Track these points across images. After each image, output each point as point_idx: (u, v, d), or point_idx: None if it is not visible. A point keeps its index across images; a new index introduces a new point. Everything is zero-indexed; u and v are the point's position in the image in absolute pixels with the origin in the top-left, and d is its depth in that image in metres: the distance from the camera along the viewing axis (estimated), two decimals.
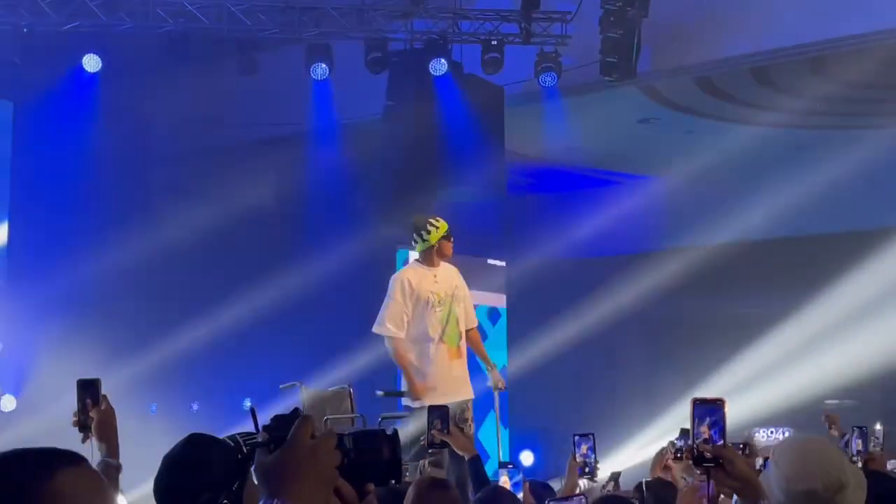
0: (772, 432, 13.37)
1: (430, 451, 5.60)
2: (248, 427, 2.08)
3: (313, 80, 11.04)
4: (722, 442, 2.64)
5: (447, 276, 7.40)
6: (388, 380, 8.74)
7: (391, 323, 7.24)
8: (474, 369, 7.63)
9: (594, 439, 4.72)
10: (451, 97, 11.69)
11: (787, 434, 13.31)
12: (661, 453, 5.06)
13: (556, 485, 6.17)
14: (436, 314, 7.26)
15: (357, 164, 11.66)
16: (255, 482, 1.68)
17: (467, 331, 7.47)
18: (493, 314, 12.74)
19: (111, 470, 3.02)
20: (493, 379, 7.57)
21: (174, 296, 11.03)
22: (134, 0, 10.50)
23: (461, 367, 7.33)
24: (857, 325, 12.52)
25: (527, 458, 12.67)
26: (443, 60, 11.01)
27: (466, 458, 4.77)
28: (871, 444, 5.65)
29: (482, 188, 12.33)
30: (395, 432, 1.71)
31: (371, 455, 1.68)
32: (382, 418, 8.18)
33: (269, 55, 11.17)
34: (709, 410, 2.69)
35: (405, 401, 7.44)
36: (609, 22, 10.61)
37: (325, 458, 1.63)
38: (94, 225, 10.59)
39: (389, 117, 11.46)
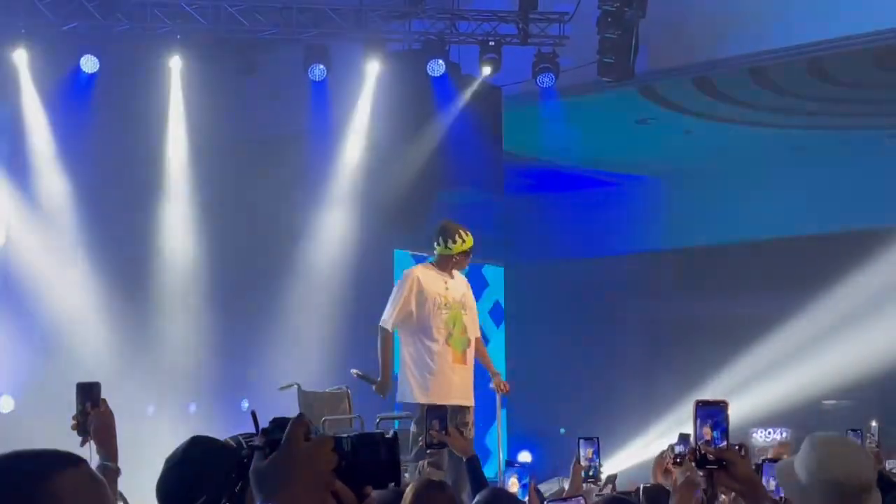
0: (770, 433, 13.38)
1: (428, 451, 5.59)
2: (248, 428, 2.07)
3: (311, 81, 11.04)
4: (725, 443, 2.64)
5: (457, 284, 7.49)
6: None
7: (397, 319, 7.28)
8: (477, 376, 7.65)
9: (599, 443, 4.72)
10: (448, 98, 11.69)
11: (785, 435, 13.32)
12: (661, 457, 5.05)
13: (555, 486, 6.17)
14: (441, 316, 7.29)
15: (356, 165, 11.65)
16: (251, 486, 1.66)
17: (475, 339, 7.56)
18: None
19: (110, 474, 3.02)
20: (496, 383, 7.62)
21: (171, 296, 11.01)
22: (131, 1, 10.49)
23: (463, 373, 7.34)
24: (856, 326, 12.53)
25: (525, 458, 12.66)
26: (440, 61, 11.00)
27: (464, 459, 4.76)
28: (867, 442, 5.66)
29: (480, 188, 12.34)
30: (395, 434, 1.70)
31: (370, 457, 1.67)
32: (380, 419, 8.18)
33: (267, 56, 11.16)
34: (711, 412, 2.69)
35: (400, 397, 7.46)
36: (607, 22, 10.61)
37: (320, 461, 1.61)
38: (91, 225, 10.57)
39: (388, 118, 11.46)
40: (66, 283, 10.43)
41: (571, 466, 4.89)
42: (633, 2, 10.48)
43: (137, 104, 10.81)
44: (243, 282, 10.88)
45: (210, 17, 10.65)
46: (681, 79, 12.25)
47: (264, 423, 1.70)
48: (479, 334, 7.67)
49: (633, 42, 10.62)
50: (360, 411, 8.42)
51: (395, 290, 7.39)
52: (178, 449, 2.61)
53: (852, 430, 5.48)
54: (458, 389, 7.24)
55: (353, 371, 7.98)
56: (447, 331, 7.29)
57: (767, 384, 12.72)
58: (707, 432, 2.67)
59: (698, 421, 2.68)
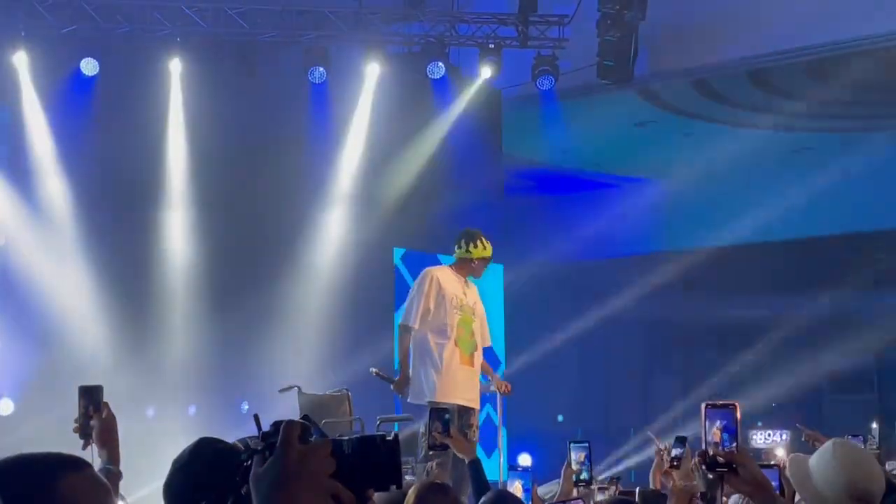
0: (769, 434, 13.38)
1: (430, 452, 5.60)
2: (248, 430, 2.07)
3: (311, 83, 11.04)
4: (735, 446, 2.65)
5: (472, 291, 7.58)
6: (385, 382, 8.71)
7: (419, 317, 7.30)
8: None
9: (590, 448, 4.72)
10: (448, 100, 11.70)
11: (784, 436, 13.32)
12: (660, 459, 5.06)
13: (553, 488, 6.17)
14: (455, 317, 7.34)
15: (356, 167, 11.66)
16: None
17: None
18: None
19: (112, 477, 3.02)
20: (497, 384, 7.66)
21: (171, 299, 11.01)
22: (132, 4, 10.50)
23: (470, 375, 7.39)
24: (856, 327, 12.54)
25: (524, 460, 12.66)
26: (440, 64, 11.00)
27: (466, 462, 4.76)
28: (868, 444, 5.67)
29: (480, 190, 12.34)
30: (396, 437, 1.70)
31: (370, 460, 1.67)
32: (381, 421, 8.18)
33: (267, 58, 11.17)
34: (721, 414, 2.70)
35: (410, 398, 7.47)
36: (606, 25, 10.62)
37: (317, 465, 1.60)
38: (91, 228, 10.57)
39: (387, 121, 11.47)
40: (66, 285, 10.43)
41: (562, 471, 4.89)
42: (632, 5, 10.48)
43: (137, 106, 10.81)
44: (243, 284, 10.88)
45: (210, 19, 10.66)
46: (680, 81, 12.27)
47: (267, 426, 1.70)
48: (489, 343, 7.74)
49: (633, 45, 10.63)
50: (360, 413, 8.42)
51: (414, 289, 7.40)
52: (185, 450, 2.62)
53: (853, 435, 5.49)
54: (464, 389, 7.27)
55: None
56: (458, 332, 7.34)
57: (766, 386, 12.73)
58: (716, 434, 2.67)
59: (707, 423, 2.69)
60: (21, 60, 10.35)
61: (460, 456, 4.89)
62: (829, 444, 3.08)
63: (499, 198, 12.99)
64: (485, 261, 7.50)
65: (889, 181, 13.16)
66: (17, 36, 10.20)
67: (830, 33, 10.95)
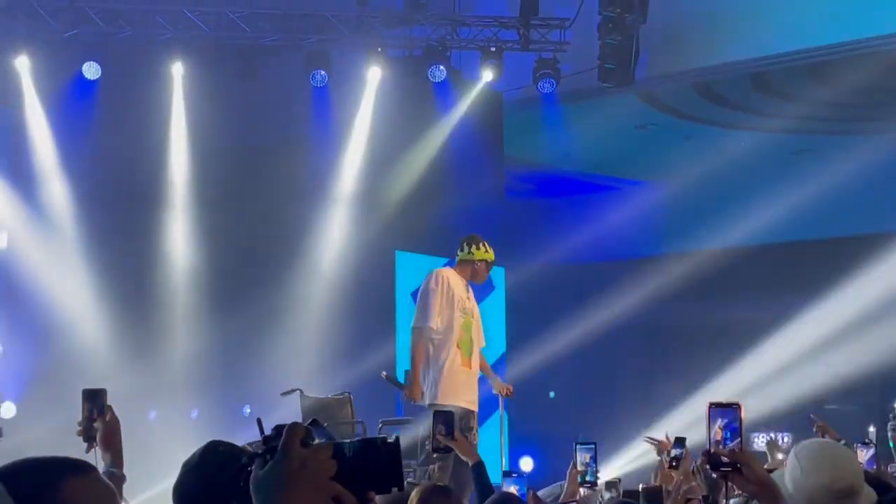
0: (771, 437, 13.34)
1: (434, 455, 5.60)
2: (252, 434, 2.08)
3: (313, 87, 11.06)
4: (738, 444, 2.65)
5: (471, 294, 7.62)
6: (387, 385, 8.71)
7: (436, 315, 7.29)
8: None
9: (596, 448, 4.73)
10: (450, 104, 11.71)
11: (786, 439, 13.30)
12: (661, 460, 5.07)
13: (557, 490, 6.17)
14: (458, 319, 7.37)
15: (357, 170, 11.67)
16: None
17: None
18: None
19: (116, 480, 3.03)
20: (498, 386, 7.68)
21: (173, 303, 11.02)
22: (134, 8, 10.51)
23: (470, 377, 7.42)
24: (857, 330, 12.53)
25: (526, 464, 12.66)
26: (442, 67, 11.02)
27: (470, 464, 4.77)
28: (868, 447, 5.66)
29: (481, 193, 12.35)
30: (397, 439, 1.70)
31: (372, 463, 1.68)
32: (383, 423, 8.19)
33: (269, 62, 11.19)
34: (724, 413, 2.70)
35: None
36: (607, 28, 10.63)
37: (318, 468, 1.60)
38: (93, 231, 10.58)
39: (389, 124, 11.48)
40: (68, 288, 10.44)
41: (568, 471, 4.90)
42: (633, 8, 10.50)
43: (139, 110, 10.83)
44: (245, 287, 10.89)
45: (212, 23, 10.67)
46: (681, 84, 12.27)
47: (269, 429, 1.71)
48: (483, 344, 7.74)
49: (634, 48, 10.64)
50: (362, 416, 8.43)
51: (427, 290, 7.38)
52: (195, 453, 2.63)
53: (862, 443, 5.47)
54: (464, 392, 7.29)
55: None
56: (460, 334, 7.36)
57: (768, 389, 12.72)
58: (717, 432, 2.68)
59: (711, 423, 2.69)
60: (23, 64, 10.37)
61: (464, 459, 4.89)
62: (791, 454, 3.04)
63: (500, 200, 13.00)
64: (487, 264, 7.53)
65: (892, 183, 13.16)
66: (20, 40, 10.22)
67: (831, 36, 10.96)
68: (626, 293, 14.15)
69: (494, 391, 7.75)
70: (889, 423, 6.31)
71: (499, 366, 10.97)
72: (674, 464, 4.59)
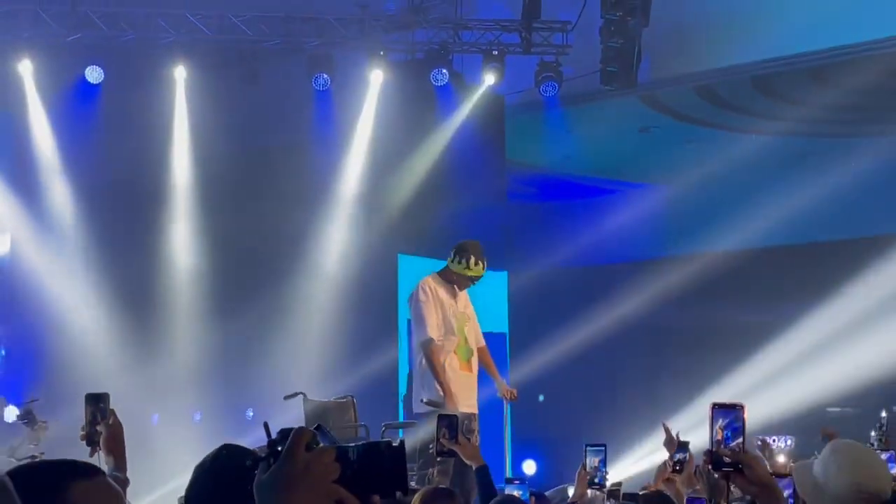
0: (774, 440, 13.33)
1: (438, 459, 5.60)
2: (256, 437, 2.08)
3: (315, 90, 11.06)
4: (741, 444, 2.65)
5: (461, 295, 7.60)
6: (390, 388, 8.75)
7: (437, 326, 7.28)
8: (481, 382, 7.68)
9: (606, 451, 4.73)
10: (452, 107, 11.71)
11: (789, 442, 13.27)
12: (665, 465, 5.06)
13: (562, 493, 6.17)
14: (449, 324, 7.36)
15: (359, 173, 11.67)
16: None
17: (478, 348, 7.64)
18: None
19: (119, 484, 3.03)
20: (503, 390, 7.68)
21: (176, 306, 11.03)
22: (136, 12, 10.52)
23: (469, 381, 7.44)
24: (860, 333, 12.51)
25: (529, 467, 12.66)
26: (444, 70, 11.02)
27: (473, 468, 4.76)
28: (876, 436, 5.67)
29: (483, 197, 12.35)
30: (402, 443, 1.70)
31: (376, 466, 1.68)
32: (385, 427, 8.18)
33: (271, 65, 11.20)
34: (726, 413, 2.70)
35: (414, 407, 7.49)
36: (609, 31, 10.63)
37: (321, 471, 1.60)
38: (96, 234, 10.60)
39: (391, 127, 11.48)
40: (71, 292, 10.45)
41: (577, 473, 4.90)
42: (635, 11, 10.50)
43: (142, 114, 10.84)
44: (247, 290, 10.89)
45: (214, 27, 10.68)
46: (683, 87, 12.27)
47: (274, 433, 1.70)
48: (482, 343, 7.74)
49: (636, 51, 10.65)
50: (365, 420, 8.42)
51: (420, 303, 7.38)
52: (207, 456, 2.64)
53: (885, 450, 5.47)
54: (464, 396, 7.30)
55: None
56: (455, 340, 7.36)
57: (772, 391, 12.70)
58: (718, 432, 2.67)
59: (714, 423, 2.69)
60: (26, 68, 10.38)
61: (468, 462, 4.89)
62: (827, 448, 3.08)
63: (502, 203, 13.00)
64: (471, 280, 7.49)
65: (893, 186, 13.15)
66: (22, 43, 10.24)
67: (833, 39, 10.96)
68: (628, 296, 14.14)
69: (499, 394, 7.76)
70: (873, 434, 6.32)
71: (501, 370, 10.96)
72: (677, 468, 4.58)
